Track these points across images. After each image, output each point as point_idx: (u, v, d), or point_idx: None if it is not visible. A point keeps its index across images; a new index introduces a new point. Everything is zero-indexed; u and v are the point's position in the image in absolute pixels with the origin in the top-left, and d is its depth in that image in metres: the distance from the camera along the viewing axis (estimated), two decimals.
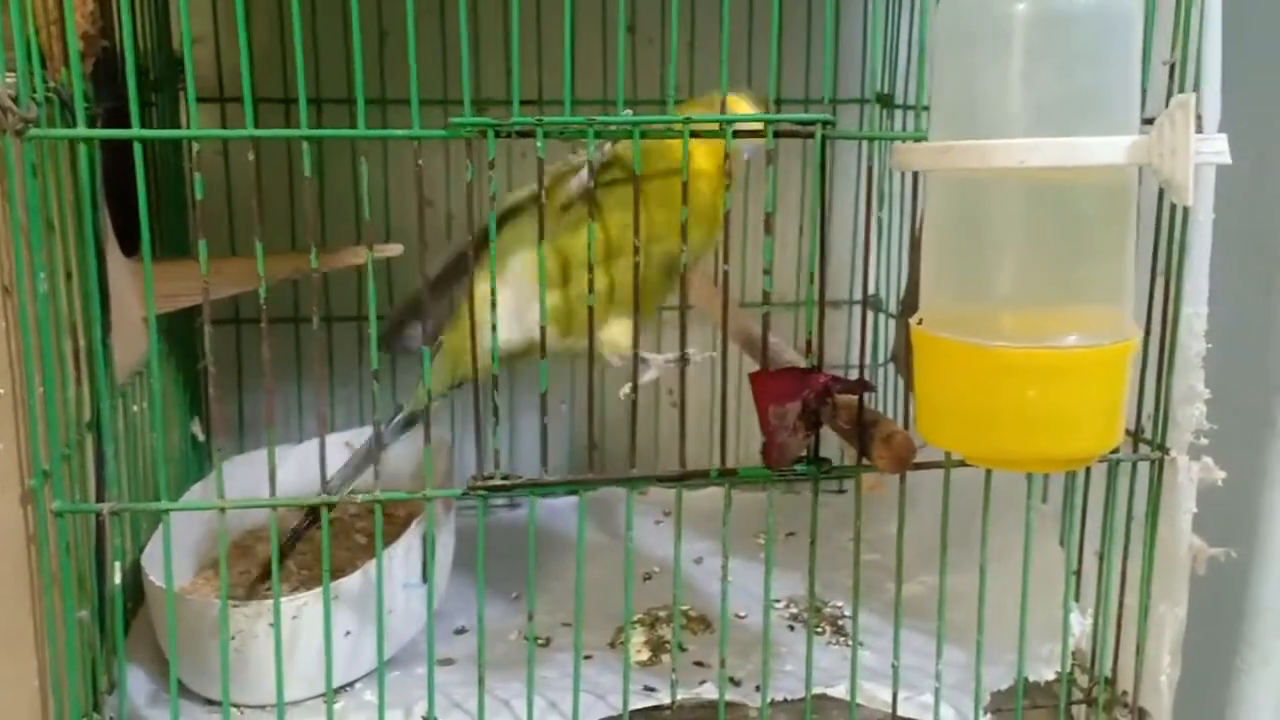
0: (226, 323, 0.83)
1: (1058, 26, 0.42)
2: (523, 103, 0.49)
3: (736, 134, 0.50)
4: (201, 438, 0.78)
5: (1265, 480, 0.71)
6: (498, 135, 0.48)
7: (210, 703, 0.58)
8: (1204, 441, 0.56)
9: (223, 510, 0.49)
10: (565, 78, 0.49)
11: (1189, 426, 0.56)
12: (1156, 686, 0.58)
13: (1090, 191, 0.44)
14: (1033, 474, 0.54)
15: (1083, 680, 0.61)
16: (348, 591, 0.58)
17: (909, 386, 0.52)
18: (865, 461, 0.53)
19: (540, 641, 0.67)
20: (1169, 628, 0.57)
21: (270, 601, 0.53)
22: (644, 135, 0.49)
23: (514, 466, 0.92)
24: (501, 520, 0.87)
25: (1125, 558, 0.58)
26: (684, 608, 0.71)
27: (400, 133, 0.49)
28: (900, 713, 0.58)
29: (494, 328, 0.50)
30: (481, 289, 0.51)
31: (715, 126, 0.50)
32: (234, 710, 0.58)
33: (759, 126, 0.50)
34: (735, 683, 0.62)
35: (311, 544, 0.68)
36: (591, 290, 0.51)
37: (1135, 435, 0.57)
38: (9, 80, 0.45)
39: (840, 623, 0.70)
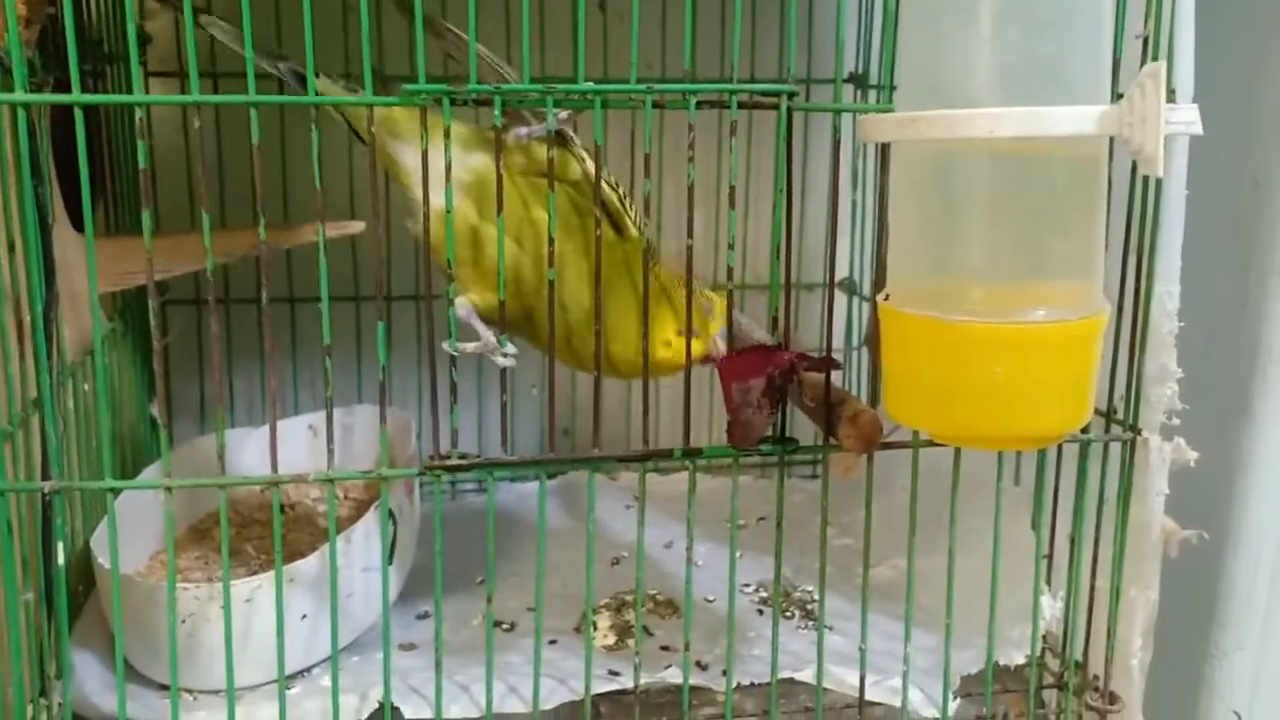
0: (188, 302, 0.81)
1: None
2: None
3: (699, 104, 0.48)
4: (161, 420, 0.76)
5: (1238, 462, 0.70)
6: (453, 102, 0.46)
7: (165, 688, 0.57)
8: (1176, 422, 0.55)
9: (169, 490, 0.48)
10: (524, 48, 0.47)
11: (1161, 406, 0.55)
12: (1128, 670, 0.57)
13: (1059, 164, 0.43)
14: (1003, 454, 0.53)
15: (1053, 664, 0.61)
16: (304, 574, 0.57)
17: (878, 370, 0.51)
18: (833, 441, 0.52)
19: (505, 626, 0.66)
20: (1141, 611, 0.56)
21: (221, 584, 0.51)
22: (605, 105, 0.48)
23: (485, 450, 0.91)
24: (470, 504, 0.86)
25: (1097, 540, 0.57)
26: (652, 592, 0.69)
27: (352, 99, 0.47)
28: (869, 697, 0.57)
29: (451, 301, 0.49)
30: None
31: (683, 102, 0.48)
32: (187, 695, 0.56)
33: (721, 97, 0.49)
34: (702, 667, 0.61)
35: (268, 528, 0.66)
36: (552, 265, 0.49)
37: (1107, 415, 0.56)
38: None
39: (809, 607, 0.69)
